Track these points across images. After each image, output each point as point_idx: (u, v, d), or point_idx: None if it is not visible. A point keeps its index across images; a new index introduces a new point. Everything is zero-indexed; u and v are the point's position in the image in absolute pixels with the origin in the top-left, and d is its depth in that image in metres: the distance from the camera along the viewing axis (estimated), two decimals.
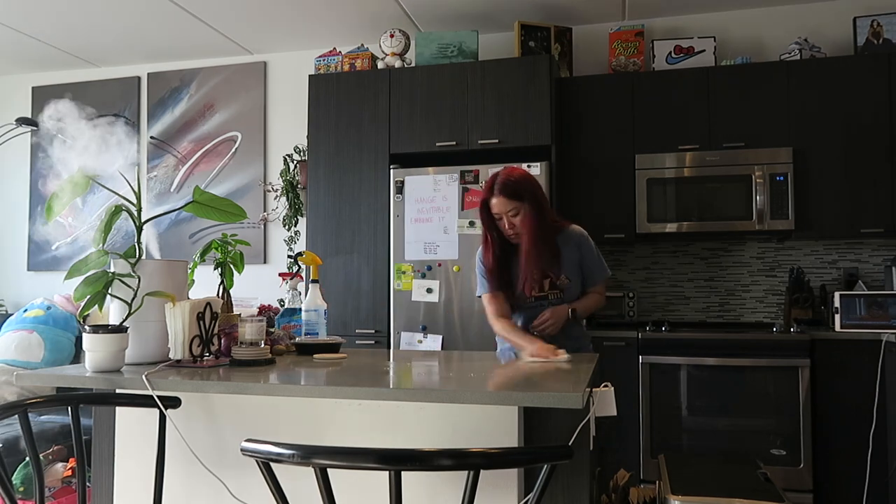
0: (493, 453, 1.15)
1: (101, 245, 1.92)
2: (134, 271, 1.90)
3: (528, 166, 3.48)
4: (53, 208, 1.96)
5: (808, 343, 3.34)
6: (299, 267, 4.11)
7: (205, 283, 2.82)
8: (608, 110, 3.89)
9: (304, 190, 4.38)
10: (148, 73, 4.97)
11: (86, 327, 1.83)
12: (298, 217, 4.53)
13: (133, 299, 1.88)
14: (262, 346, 1.98)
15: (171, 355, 1.92)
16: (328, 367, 1.92)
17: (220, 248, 2.20)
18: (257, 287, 4.45)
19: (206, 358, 1.95)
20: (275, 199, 4.68)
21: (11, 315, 4.22)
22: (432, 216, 3.67)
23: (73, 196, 1.97)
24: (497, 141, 3.72)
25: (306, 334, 2.28)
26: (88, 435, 2.12)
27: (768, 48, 4.04)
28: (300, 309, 2.35)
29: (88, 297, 1.84)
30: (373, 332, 3.83)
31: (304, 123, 4.34)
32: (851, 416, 3.30)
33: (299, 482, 1.70)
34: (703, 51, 3.88)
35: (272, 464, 1.19)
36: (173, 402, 1.80)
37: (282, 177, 4.56)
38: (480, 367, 1.92)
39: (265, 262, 4.68)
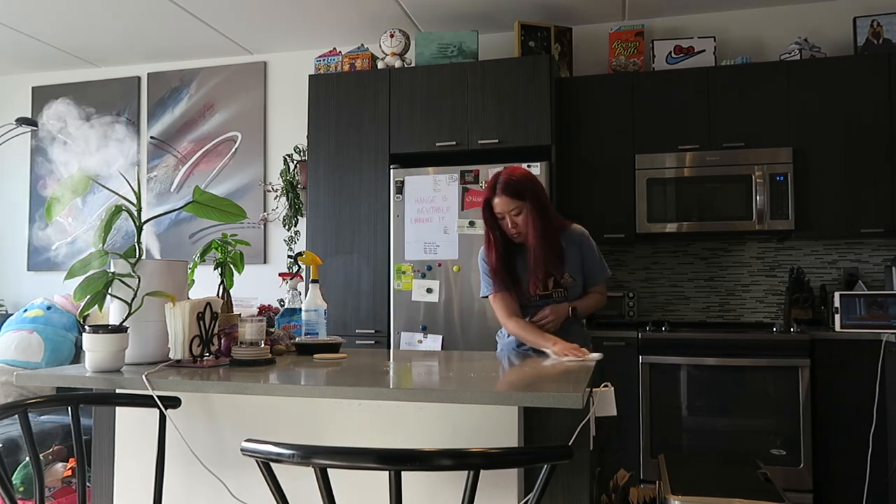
0: (493, 453, 1.15)
1: (101, 245, 1.92)
2: (134, 271, 1.90)
3: (528, 166, 3.48)
4: (53, 209, 1.96)
5: (808, 343, 3.35)
6: (299, 267, 4.11)
7: (205, 283, 2.82)
8: (608, 110, 3.89)
9: (304, 190, 4.38)
10: (148, 73, 4.97)
11: (86, 327, 1.83)
12: (298, 217, 4.53)
13: (133, 299, 1.88)
14: (262, 346, 1.98)
15: (171, 355, 1.92)
16: (328, 367, 1.92)
17: (220, 248, 2.20)
18: (257, 287, 4.45)
19: (206, 358, 1.95)
20: (275, 199, 4.68)
21: (11, 315, 4.22)
22: (432, 216, 3.67)
23: (73, 196, 1.97)
24: (497, 141, 3.72)
25: (306, 334, 2.29)
26: (88, 435, 2.12)
27: (768, 48, 4.04)
28: (300, 309, 2.35)
29: (88, 297, 1.84)
30: (373, 332, 3.83)
31: (304, 123, 4.34)
32: (851, 416, 3.30)
33: (299, 482, 1.70)
34: (703, 51, 3.88)
35: (272, 464, 1.19)
36: (173, 402, 1.80)
37: (282, 177, 4.56)
38: (480, 367, 1.92)
39: (265, 262, 4.68)
